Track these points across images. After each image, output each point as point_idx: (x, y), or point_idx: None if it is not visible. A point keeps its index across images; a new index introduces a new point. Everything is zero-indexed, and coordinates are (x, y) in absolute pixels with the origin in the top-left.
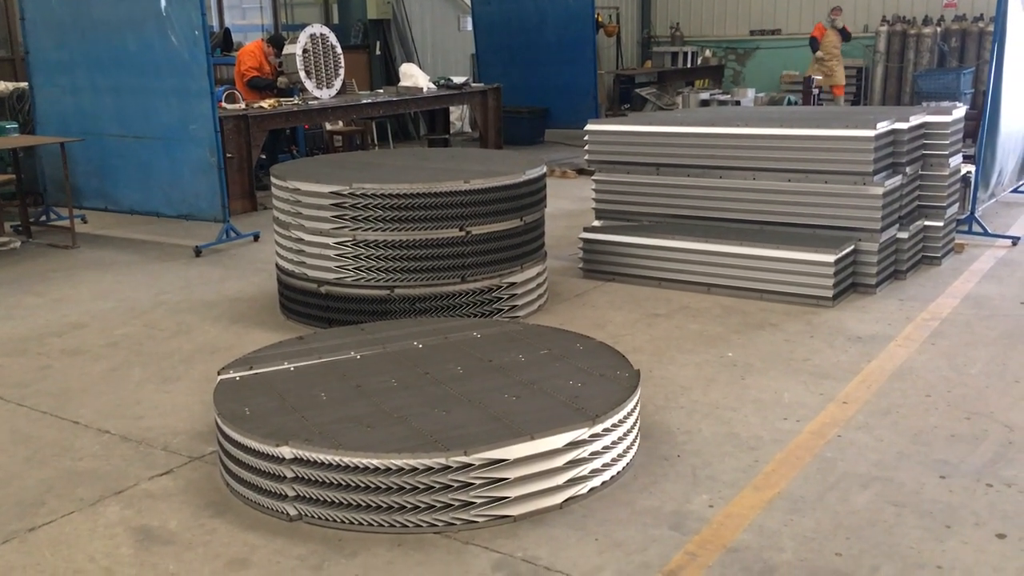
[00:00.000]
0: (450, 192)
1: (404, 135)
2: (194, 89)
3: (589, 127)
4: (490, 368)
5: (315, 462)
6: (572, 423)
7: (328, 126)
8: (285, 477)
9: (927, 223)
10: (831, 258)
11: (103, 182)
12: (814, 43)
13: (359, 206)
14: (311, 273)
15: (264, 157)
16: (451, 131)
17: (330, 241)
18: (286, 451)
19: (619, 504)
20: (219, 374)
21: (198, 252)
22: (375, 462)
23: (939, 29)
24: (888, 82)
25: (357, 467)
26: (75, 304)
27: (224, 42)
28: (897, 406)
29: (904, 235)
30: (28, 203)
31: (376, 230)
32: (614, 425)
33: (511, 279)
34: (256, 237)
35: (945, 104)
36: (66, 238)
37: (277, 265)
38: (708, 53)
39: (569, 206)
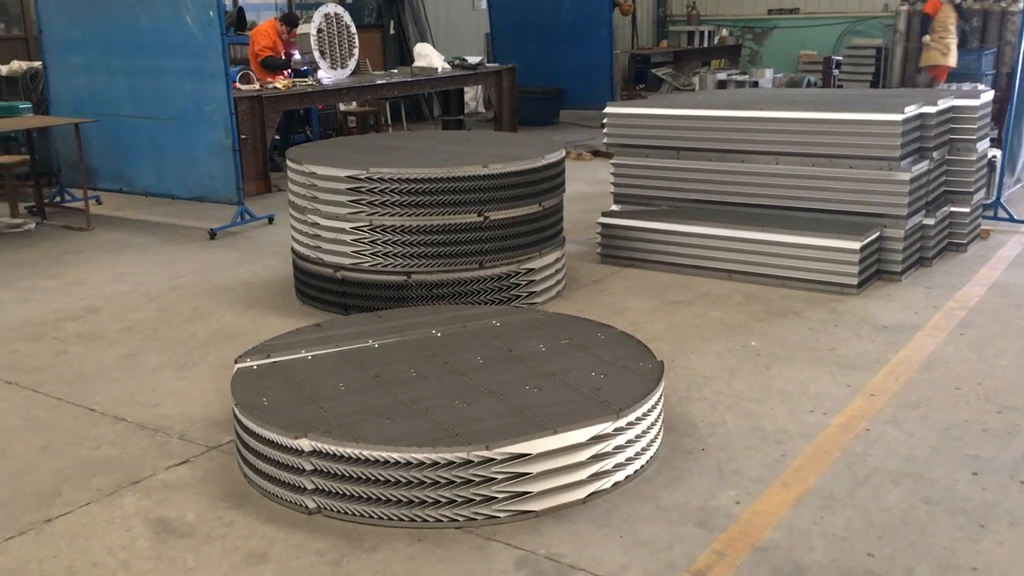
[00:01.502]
0: (468, 177)
1: (418, 116)
2: (208, 70)
3: (608, 109)
4: (510, 358)
5: (335, 455)
6: (595, 417)
7: (342, 107)
8: (304, 470)
9: (953, 209)
10: (856, 245)
11: (117, 163)
12: (926, 20)
13: (376, 190)
14: (327, 258)
15: (278, 138)
16: (466, 111)
17: (346, 226)
18: (305, 443)
19: (643, 500)
20: (236, 362)
21: (213, 235)
22: (396, 456)
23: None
24: (908, 62)
25: (377, 461)
26: (90, 287)
27: (238, 21)
28: (927, 399)
29: (931, 221)
30: (44, 184)
31: (393, 215)
32: (638, 419)
33: (529, 265)
34: (271, 219)
35: (968, 87)
36: (81, 220)
37: (293, 250)
38: (725, 32)
39: (586, 189)
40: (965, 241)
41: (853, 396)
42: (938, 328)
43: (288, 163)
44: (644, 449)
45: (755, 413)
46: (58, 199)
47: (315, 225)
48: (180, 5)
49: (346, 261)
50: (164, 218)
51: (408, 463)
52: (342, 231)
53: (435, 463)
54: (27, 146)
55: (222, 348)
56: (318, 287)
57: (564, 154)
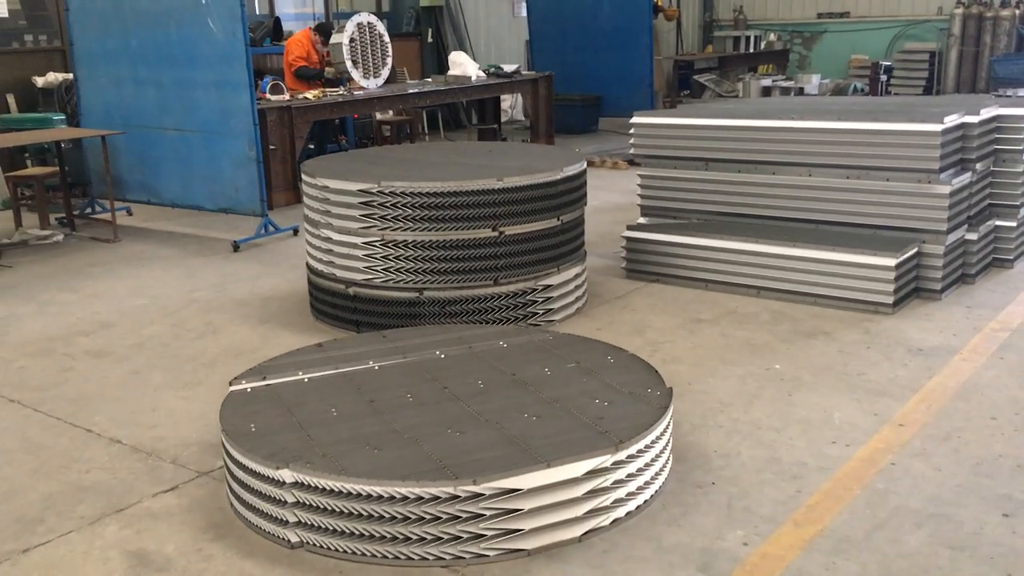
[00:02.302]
0: (482, 191)
1: (456, 124)
2: (233, 81)
3: (635, 119)
4: (513, 383)
5: (317, 487)
6: (593, 449)
7: (378, 115)
8: (286, 502)
9: (998, 223)
10: (892, 262)
11: (145, 175)
12: None
13: (388, 204)
14: (340, 273)
15: (312, 147)
16: (503, 119)
17: (358, 241)
18: (287, 474)
19: (644, 539)
20: (230, 385)
21: (236, 247)
22: (379, 490)
23: (1018, 12)
24: (963, 67)
25: (360, 494)
26: (108, 301)
27: (274, 31)
28: (959, 430)
29: (973, 236)
30: (76, 195)
31: (405, 230)
32: (640, 451)
33: (547, 281)
34: (295, 231)
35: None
36: (108, 232)
37: (307, 265)
38: (772, 37)
39: (618, 199)
40: (1011, 257)
41: (880, 426)
42: (977, 352)
43: (303, 176)
44: (648, 483)
45: (773, 443)
46: (88, 210)
47: (328, 240)
48: (206, 16)
49: (358, 277)
50: (191, 229)
51: (392, 497)
52: (354, 246)
53: (420, 498)
54: (58, 158)
55: (228, 366)
56: (331, 303)
57: (585, 165)
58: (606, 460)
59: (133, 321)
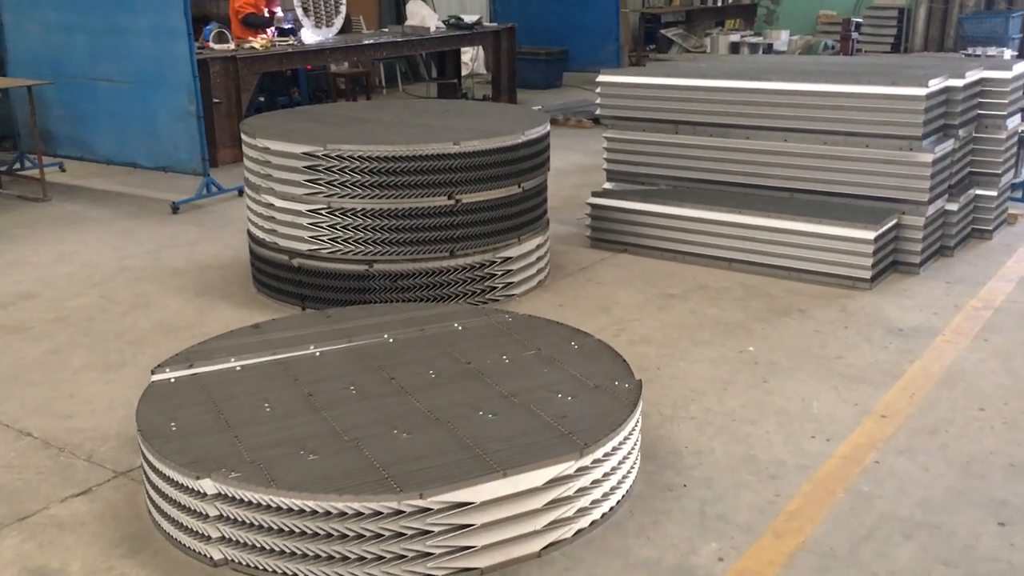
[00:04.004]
0: (437, 155)
1: (415, 76)
2: (170, 28)
3: (602, 78)
4: (467, 373)
5: (242, 500)
6: (555, 455)
7: (333, 67)
8: (208, 516)
9: (978, 192)
10: (870, 235)
11: (77, 129)
12: None
13: (335, 169)
14: (283, 243)
15: (263, 100)
16: (464, 73)
17: (303, 208)
18: (208, 485)
19: (610, 553)
20: (153, 373)
21: (175, 209)
22: (313, 504)
23: None
24: (931, 25)
25: (292, 509)
26: (31, 268)
27: None
28: (946, 422)
29: (953, 207)
30: (6, 148)
31: (354, 197)
32: (607, 455)
33: (506, 253)
34: (241, 192)
35: (993, 51)
36: (37, 190)
37: (248, 232)
38: None
39: (582, 160)
40: (991, 228)
41: (861, 418)
42: (959, 333)
43: (243, 136)
44: (614, 488)
45: (748, 438)
46: (17, 166)
47: (270, 206)
48: None
49: (302, 247)
50: (128, 188)
51: (328, 513)
52: (299, 214)
53: (359, 513)
54: None
55: (158, 345)
56: (274, 275)
57: (548, 128)
58: (569, 467)
59: (56, 292)
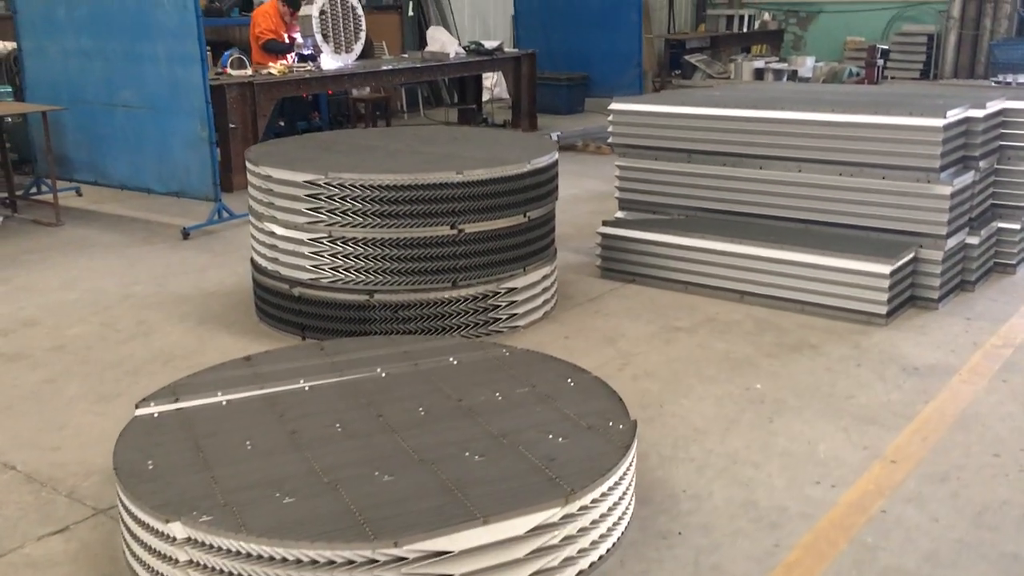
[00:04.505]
0: (440, 184)
1: (437, 101)
2: (184, 55)
3: (614, 106)
4: (458, 411)
5: (212, 546)
6: (541, 500)
7: (355, 92)
8: (178, 560)
9: (1001, 225)
10: (886, 268)
11: (93, 154)
12: None
13: (336, 198)
14: (284, 272)
15: (283, 124)
16: (486, 98)
17: (304, 236)
18: (178, 529)
19: None
20: (136, 407)
21: (186, 234)
22: (283, 552)
23: None
24: (961, 52)
25: (262, 556)
26: (37, 294)
27: (243, 1)
28: (958, 468)
29: (974, 240)
30: (25, 172)
31: (355, 226)
32: (595, 501)
33: (511, 284)
34: None
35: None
36: (51, 214)
37: (252, 261)
38: (767, 16)
39: (599, 187)
40: (1014, 262)
41: (870, 462)
42: (977, 372)
43: (247, 163)
44: (604, 536)
45: (750, 482)
46: (34, 191)
47: (272, 235)
48: None
49: (304, 276)
50: (141, 213)
51: (299, 560)
52: (300, 242)
53: (331, 562)
54: None
55: (154, 375)
56: (275, 304)
57: (556, 157)
58: (554, 514)
59: (59, 318)
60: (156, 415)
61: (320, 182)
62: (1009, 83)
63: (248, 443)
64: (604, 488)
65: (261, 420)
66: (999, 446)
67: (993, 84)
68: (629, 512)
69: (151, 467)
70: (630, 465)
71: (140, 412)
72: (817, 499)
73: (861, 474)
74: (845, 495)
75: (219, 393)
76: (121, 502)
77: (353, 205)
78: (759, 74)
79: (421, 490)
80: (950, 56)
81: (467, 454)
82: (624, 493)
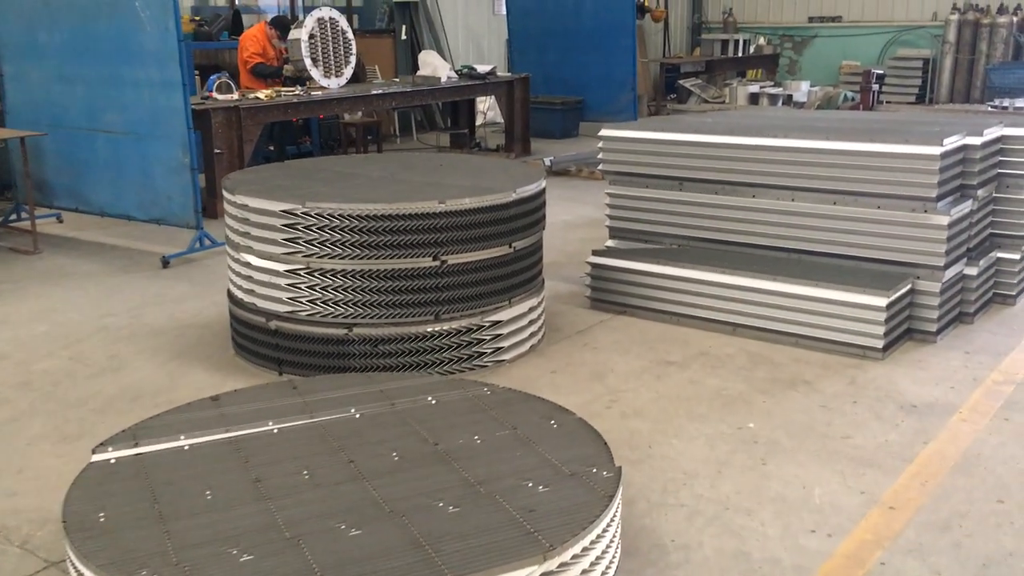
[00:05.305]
0: (422, 214)
1: (431, 125)
2: (165, 80)
3: (604, 132)
4: (434, 456)
5: None
6: (516, 558)
7: (347, 117)
8: None
9: (1000, 255)
10: (883, 301)
11: (74, 180)
12: None
13: (314, 228)
14: (261, 304)
15: (272, 149)
16: (480, 122)
17: (281, 268)
18: None
19: None
20: (93, 452)
21: (166, 263)
22: None
23: (1015, 19)
24: (957, 76)
25: None
26: (7, 327)
27: (233, 24)
28: (960, 516)
29: (973, 271)
30: (7, 199)
31: (334, 257)
32: (575, 557)
33: (496, 317)
34: None
35: (1021, 103)
36: (29, 242)
37: (228, 292)
38: (762, 41)
39: (592, 213)
40: (1014, 293)
41: (867, 508)
42: (978, 411)
43: (223, 192)
44: None
45: (741, 531)
46: (13, 217)
47: (248, 265)
48: (137, 7)
49: (281, 309)
50: (122, 241)
51: None
52: (277, 274)
53: None
54: None
55: (122, 414)
56: (251, 338)
57: (544, 185)
58: (532, 572)
59: (27, 353)
60: (113, 461)
61: (298, 211)
62: (1006, 107)
63: (208, 492)
64: (586, 542)
65: (224, 466)
66: (1002, 492)
67: (990, 108)
68: (614, 566)
69: (102, 519)
70: (614, 516)
71: (96, 458)
72: (812, 550)
73: (858, 522)
74: (842, 545)
75: (182, 437)
76: (69, 559)
77: (332, 236)
78: (754, 99)
79: (389, 546)
80: (946, 80)
81: (441, 504)
82: (608, 546)
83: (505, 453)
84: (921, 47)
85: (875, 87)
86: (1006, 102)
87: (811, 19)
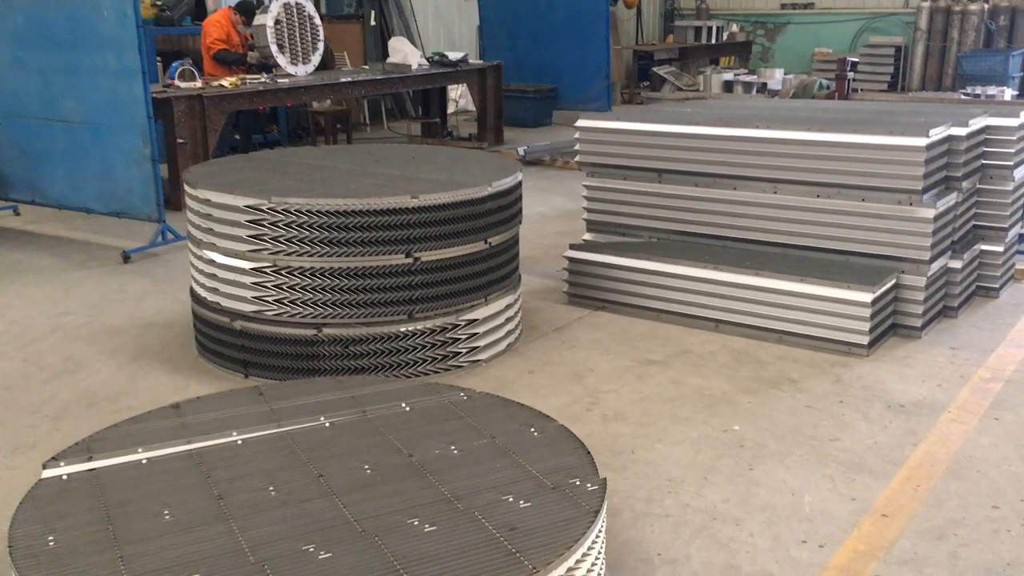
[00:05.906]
0: (393, 210)
1: (401, 113)
2: (124, 68)
3: (581, 123)
4: (408, 469)
5: None
6: None
7: (315, 105)
8: None
9: (983, 247)
10: (867, 297)
11: (30, 171)
12: None
13: (281, 224)
14: (225, 303)
15: (238, 138)
16: (452, 110)
17: (246, 266)
18: None
19: None
20: (44, 468)
21: (126, 257)
22: None
23: (987, 6)
24: (929, 63)
25: None
26: None
27: (196, 9)
28: (955, 523)
29: (957, 264)
30: None
31: (302, 254)
32: None
33: (471, 315)
34: None
35: (993, 90)
36: None
37: (191, 291)
38: (735, 28)
39: (567, 204)
40: (997, 285)
41: (859, 516)
42: (967, 410)
43: (184, 186)
44: None
45: (730, 543)
46: None
47: (211, 263)
48: None
49: (246, 308)
50: (82, 234)
51: None
52: (241, 272)
53: None
54: None
55: (78, 420)
56: (215, 339)
57: (520, 178)
58: None
59: None
60: (65, 477)
61: (263, 207)
62: (978, 95)
63: (167, 512)
64: (571, 562)
65: (184, 483)
66: (997, 496)
67: (962, 96)
68: None
69: (52, 543)
70: (599, 532)
71: (47, 473)
72: (804, 562)
73: (850, 531)
74: (834, 557)
75: (139, 449)
76: None
77: (299, 232)
78: (728, 86)
79: (362, 571)
80: (918, 68)
81: (417, 523)
82: (593, 564)
83: (484, 464)
84: (893, 34)
85: (851, 75)
86: (978, 89)
87: (783, 6)
